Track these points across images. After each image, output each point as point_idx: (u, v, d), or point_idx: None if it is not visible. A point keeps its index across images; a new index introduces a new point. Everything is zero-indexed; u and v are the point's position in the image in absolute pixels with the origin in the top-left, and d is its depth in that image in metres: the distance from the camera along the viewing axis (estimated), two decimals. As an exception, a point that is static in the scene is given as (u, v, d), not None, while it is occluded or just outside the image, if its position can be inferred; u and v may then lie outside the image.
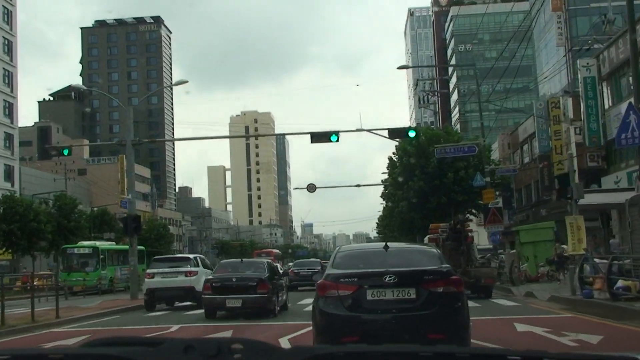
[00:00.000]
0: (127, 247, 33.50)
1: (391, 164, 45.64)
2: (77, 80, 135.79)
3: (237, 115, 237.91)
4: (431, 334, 7.81)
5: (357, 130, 29.11)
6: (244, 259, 20.93)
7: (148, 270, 23.23)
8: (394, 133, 27.24)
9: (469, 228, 24.35)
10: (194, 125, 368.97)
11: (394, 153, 45.44)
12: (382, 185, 53.48)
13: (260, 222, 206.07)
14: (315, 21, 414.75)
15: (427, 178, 41.70)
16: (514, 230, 28.63)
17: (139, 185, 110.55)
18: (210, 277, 18.38)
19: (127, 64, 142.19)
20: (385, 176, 55.03)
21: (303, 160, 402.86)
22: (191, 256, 24.74)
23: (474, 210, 44.43)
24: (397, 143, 44.53)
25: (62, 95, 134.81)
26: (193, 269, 22.34)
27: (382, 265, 8.23)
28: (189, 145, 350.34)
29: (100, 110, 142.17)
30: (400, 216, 51.45)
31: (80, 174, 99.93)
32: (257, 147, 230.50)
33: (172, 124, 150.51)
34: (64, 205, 60.00)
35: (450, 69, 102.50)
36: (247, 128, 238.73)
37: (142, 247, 44.52)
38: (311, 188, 47.91)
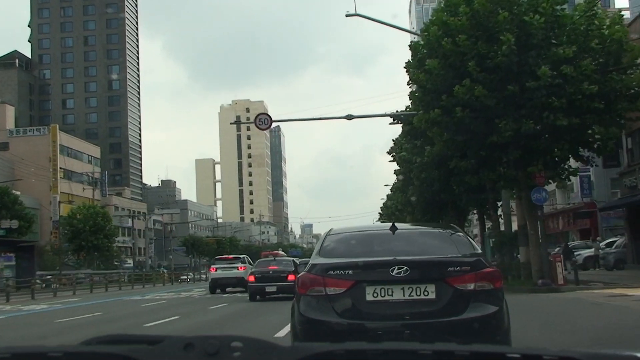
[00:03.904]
0: None
1: (416, 63, 22.56)
2: (25, 47, 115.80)
3: (227, 105, 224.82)
4: None
5: None
6: (276, 258, 27.75)
7: (212, 266, 33.32)
8: None
9: None
10: (187, 122, 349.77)
11: (417, 42, 22.93)
12: (397, 117, 30.04)
13: (252, 220, 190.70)
14: (322, 20, 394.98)
15: (492, 81, 19.78)
16: None
17: (81, 164, 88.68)
18: (253, 270, 25.05)
19: (83, 27, 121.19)
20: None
21: (303, 156, 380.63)
22: (241, 256, 35.55)
23: (584, 153, 22.34)
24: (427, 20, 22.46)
25: (5, 63, 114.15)
26: (243, 264, 31.71)
27: (388, 253, 5.88)
28: (183, 140, 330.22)
29: (52, 82, 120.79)
30: (422, 177, 29.29)
31: (1, 148, 78.98)
32: (249, 138, 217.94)
33: (138, 99, 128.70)
34: None
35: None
36: (238, 117, 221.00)
37: None
38: (262, 122, 25.90)
